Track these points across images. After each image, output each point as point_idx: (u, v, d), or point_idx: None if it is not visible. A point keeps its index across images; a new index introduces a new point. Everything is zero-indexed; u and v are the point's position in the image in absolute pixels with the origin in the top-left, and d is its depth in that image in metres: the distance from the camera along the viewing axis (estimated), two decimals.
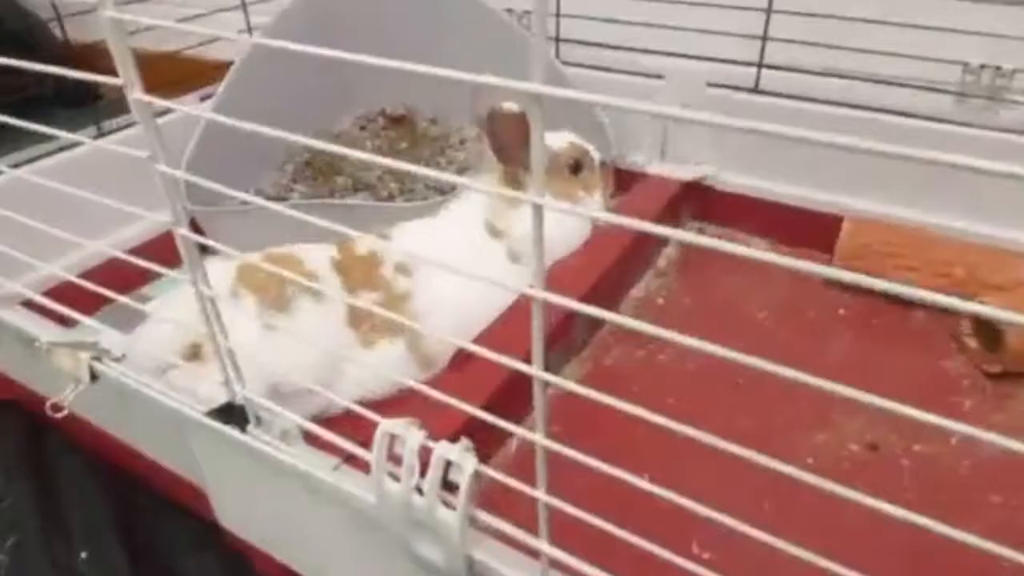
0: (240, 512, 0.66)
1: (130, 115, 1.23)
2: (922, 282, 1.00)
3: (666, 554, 0.40)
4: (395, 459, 0.44)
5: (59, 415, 0.60)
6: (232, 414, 0.53)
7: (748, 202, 1.19)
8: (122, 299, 0.62)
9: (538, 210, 0.37)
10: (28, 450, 0.88)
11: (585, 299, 0.94)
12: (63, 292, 0.72)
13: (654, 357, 0.97)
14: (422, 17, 1.31)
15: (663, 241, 1.18)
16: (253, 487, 0.60)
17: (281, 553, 0.64)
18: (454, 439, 0.66)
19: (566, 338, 0.95)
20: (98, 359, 0.60)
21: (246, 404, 0.53)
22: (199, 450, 0.62)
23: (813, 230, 1.12)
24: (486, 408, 0.79)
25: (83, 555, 0.75)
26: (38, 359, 0.66)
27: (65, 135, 0.60)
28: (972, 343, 0.93)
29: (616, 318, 0.37)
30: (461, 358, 0.88)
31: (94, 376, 0.60)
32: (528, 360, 0.88)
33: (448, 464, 0.41)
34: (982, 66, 0.99)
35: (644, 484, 0.39)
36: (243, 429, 0.53)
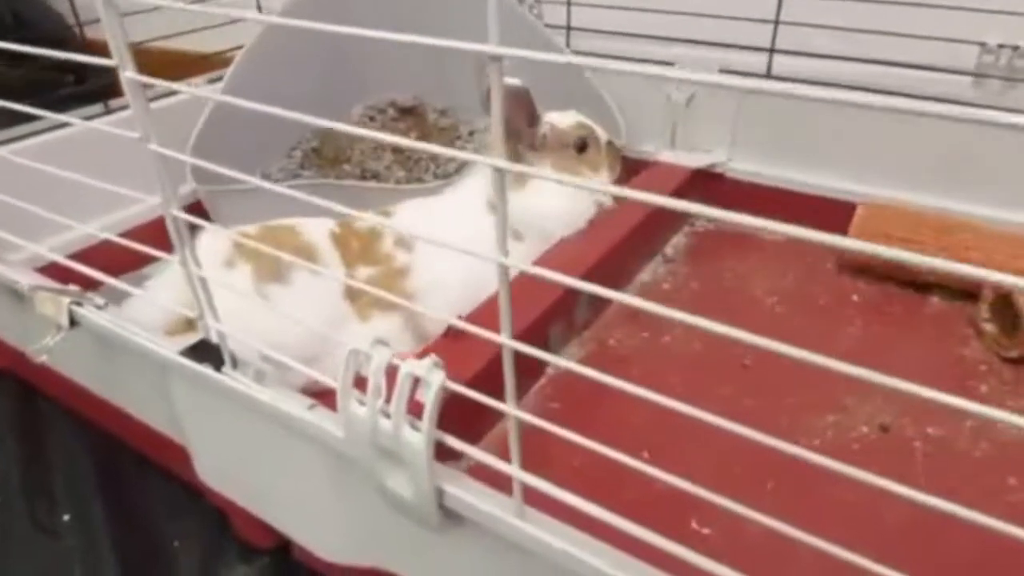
0: (218, 464, 0.64)
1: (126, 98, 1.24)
2: (940, 271, 0.97)
3: (660, 541, 0.37)
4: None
5: (40, 360, 0.59)
6: (207, 352, 0.52)
7: (759, 190, 1.16)
8: (112, 280, 0.60)
9: (499, 174, 0.35)
10: (19, 416, 0.87)
11: (586, 278, 0.92)
12: (65, 272, 0.71)
13: (658, 339, 0.94)
14: (432, 6, 1.31)
15: (670, 229, 1.16)
16: (229, 434, 0.58)
17: (258, 507, 0.62)
18: (445, 409, 0.64)
19: (567, 318, 0.93)
20: (79, 304, 0.59)
21: (220, 343, 0.51)
22: (177, 397, 0.60)
23: (826, 217, 1.08)
24: (478, 380, 0.77)
25: (65, 517, 0.73)
26: (25, 314, 0.65)
27: (53, 115, 0.59)
28: (990, 328, 0.89)
29: (598, 290, 0.35)
30: (457, 330, 0.86)
31: (73, 322, 0.59)
32: (523, 335, 0.86)
33: (417, 383, 0.39)
34: (1000, 46, 0.96)
35: (628, 460, 0.37)
36: (218, 368, 0.52)
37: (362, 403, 0.41)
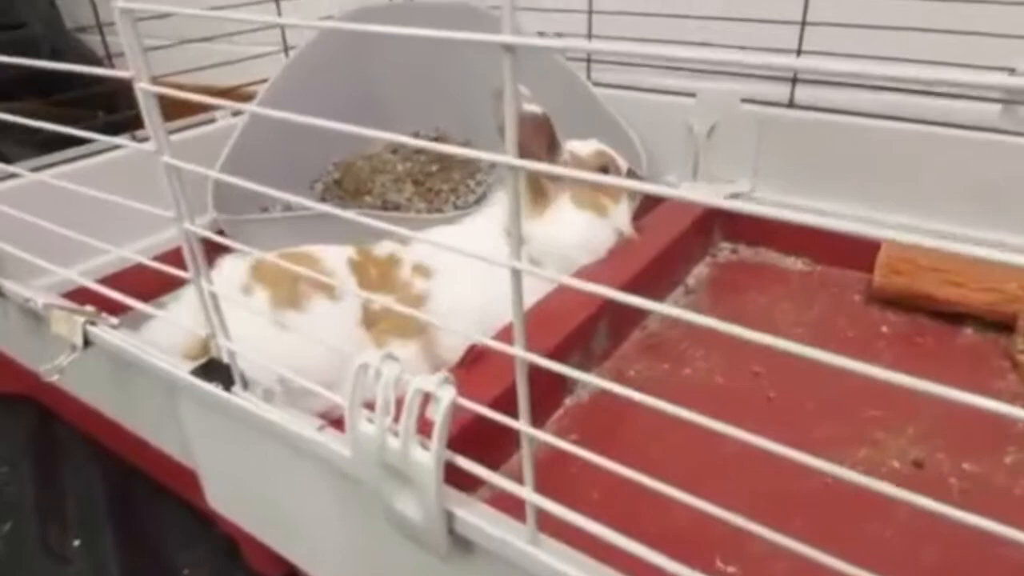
0: (227, 489, 0.63)
1: (172, 123, 1.26)
2: (970, 298, 0.94)
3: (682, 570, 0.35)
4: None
5: (52, 379, 0.59)
6: (216, 371, 0.51)
7: (783, 221, 1.14)
8: (130, 301, 0.60)
9: (514, 172, 0.34)
10: (36, 440, 0.87)
11: (603, 308, 0.91)
12: (88, 296, 0.72)
13: (679, 371, 0.92)
14: (450, 43, 1.33)
15: (692, 259, 1.14)
16: (238, 457, 0.57)
17: (266, 534, 0.60)
18: (459, 439, 0.63)
19: (585, 348, 0.91)
20: (93, 323, 0.59)
21: (230, 361, 0.51)
22: (186, 419, 0.59)
23: (852, 248, 1.07)
24: (494, 407, 0.76)
25: (76, 543, 0.72)
26: (42, 336, 0.65)
27: (70, 131, 0.60)
28: None
29: (614, 294, 0.34)
30: (472, 357, 0.85)
31: (87, 342, 0.59)
32: (538, 367, 0.84)
33: (427, 399, 0.38)
34: None
35: (657, 485, 0.35)
36: (227, 388, 0.51)
37: (371, 421, 0.40)
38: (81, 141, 1.02)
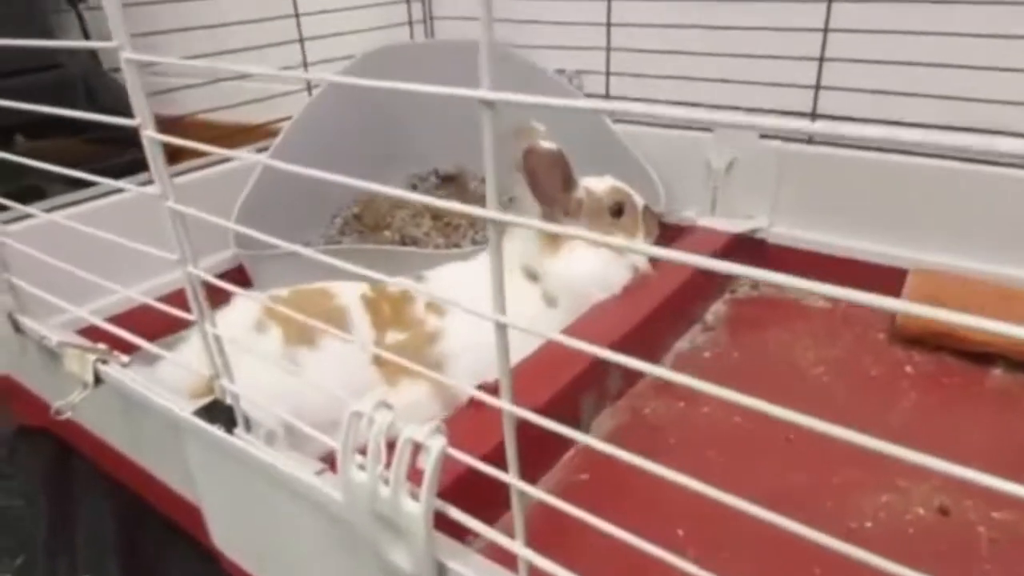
0: (231, 530, 0.62)
1: (182, 164, 1.28)
2: (999, 337, 0.91)
3: None
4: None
5: (64, 416, 0.60)
6: (219, 413, 0.51)
7: (803, 256, 1.12)
8: (139, 341, 0.61)
9: (496, 227, 0.34)
10: (53, 474, 0.88)
11: (618, 345, 0.90)
12: (102, 335, 0.73)
13: (696, 409, 0.90)
14: (474, 75, 1.35)
15: (710, 295, 1.13)
16: (241, 498, 0.57)
17: (266, 573, 0.59)
18: (458, 485, 0.61)
19: (599, 386, 0.90)
20: (104, 361, 0.60)
21: (233, 403, 0.51)
22: (191, 459, 0.59)
23: (875, 285, 1.03)
24: (500, 451, 0.75)
25: None
26: (58, 372, 0.66)
27: (72, 172, 0.61)
28: None
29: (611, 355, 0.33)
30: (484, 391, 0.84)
31: (98, 380, 0.59)
32: (554, 404, 0.83)
33: (418, 449, 0.37)
34: None
35: (658, 552, 0.34)
36: (229, 430, 0.51)
37: (363, 467, 0.39)
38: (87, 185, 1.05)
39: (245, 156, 0.47)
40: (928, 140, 0.24)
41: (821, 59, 1.05)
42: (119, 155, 1.85)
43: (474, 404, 0.86)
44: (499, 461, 0.39)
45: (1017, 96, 0.94)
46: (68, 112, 0.51)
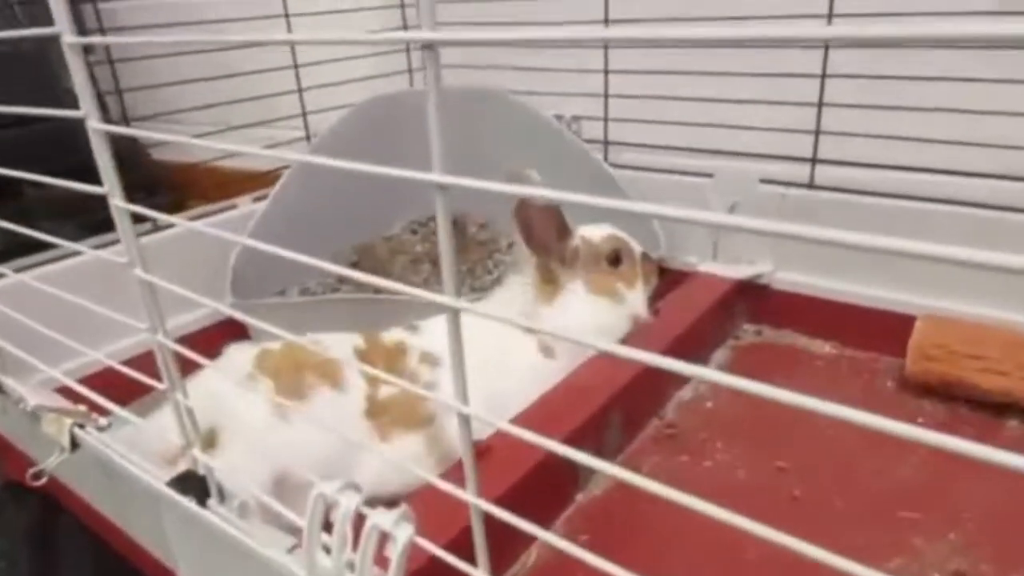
0: None
1: (195, 211, 1.27)
2: (1016, 387, 0.88)
3: None
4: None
5: (38, 483, 0.58)
6: (192, 483, 0.49)
7: (808, 302, 1.10)
8: (111, 406, 0.60)
9: (454, 315, 0.32)
10: (37, 530, 0.86)
11: (619, 397, 0.88)
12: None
13: (698, 464, 0.87)
14: (473, 121, 1.35)
15: (713, 343, 1.10)
16: (215, 568, 0.55)
17: None
18: (460, 540, 0.59)
19: (597, 442, 0.87)
20: (81, 426, 0.58)
21: (207, 474, 0.49)
22: (168, 526, 0.57)
23: (882, 331, 1.02)
24: (499, 505, 0.72)
25: None
26: (39, 430, 0.64)
27: (33, 234, 0.60)
28: None
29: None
30: (478, 451, 0.81)
31: (75, 444, 0.58)
32: (548, 462, 0.80)
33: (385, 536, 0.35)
34: None
35: None
36: (202, 502, 0.49)
37: (329, 551, 0.37)
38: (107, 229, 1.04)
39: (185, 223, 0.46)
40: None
41: (820, 104, 1.05)
42: (129, 201, 1.87)
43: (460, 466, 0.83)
44: (491, 525, 0.36)
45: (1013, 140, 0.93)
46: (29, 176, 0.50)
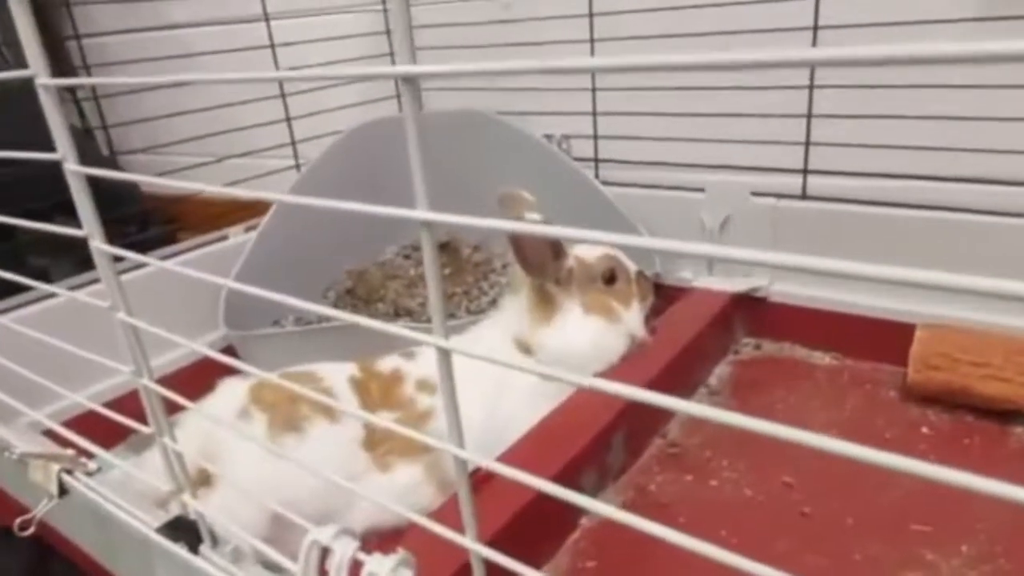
0: None
1: (187, 243, 1.26)
2: (1019, 394, 0.87)
3: None
4: None
5: (25, 533, 0.56)
6: (184, 530, 0.47)
7: (807, 313, 1.09)
8: (102, 454, 0.58)
9: (444, 355, 0.31)
10: (30, 575, 0.84)
11: (620, 418, 0.86)
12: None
13: (704, 483, 0.86)
14: (463, 144, 1.35)
15: (713, 359, 1.09)
16: None
17: None
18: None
19: (600, 463, 0.85)
20: (69, 471, 0.56)
21: (198, 519, 0.47)
22: (160, 572, 0.55)
23: (883, 341, 1.01)
24: (502, 536, 0.70)
25: None
26: (27, 478, 0.63)
27: (26, 281, 0.59)
28: None
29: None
30: (479, 479, 0.80)
31: (63, 490, 0.56)
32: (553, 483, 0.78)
33: None
34: None
35: None
36: (194, 548, 0.47)
37: None
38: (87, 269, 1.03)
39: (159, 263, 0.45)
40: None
41: (809, 115, 1.04)
42: (122, 235, 1.85)
43: (473, 487, 0.82)
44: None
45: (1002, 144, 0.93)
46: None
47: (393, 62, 1.50)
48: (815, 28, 1.01)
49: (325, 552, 0.37)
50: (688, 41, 1.10)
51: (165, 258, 1.20)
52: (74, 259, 1.33)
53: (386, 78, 1.47)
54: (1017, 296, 0.19)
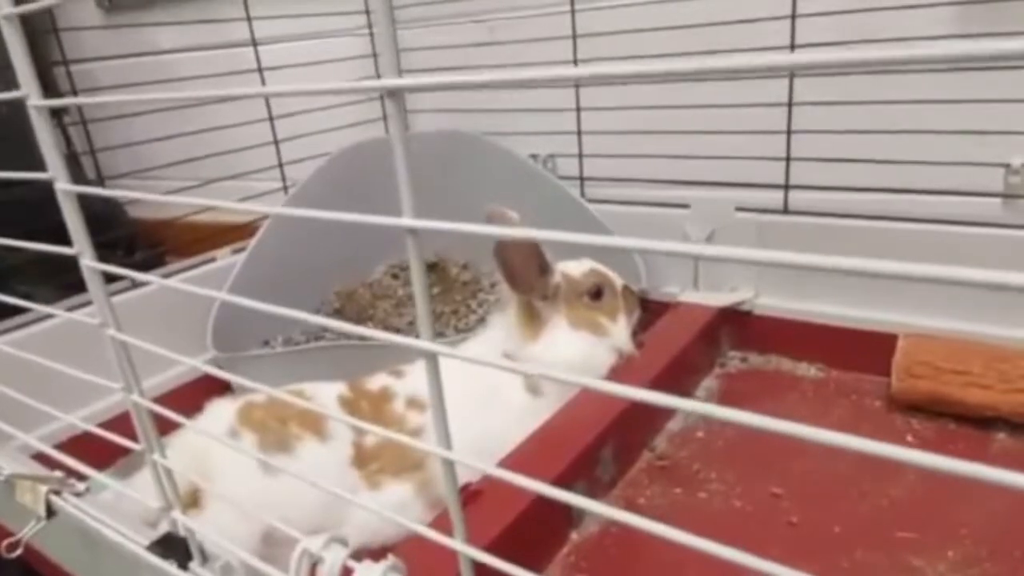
0: None
1: (174, 265, 1.27)
2: (1000, 400, 0.88)
3: None
4: None
5: (13, 555, 0.56)
6: (174, 547, 0.48)
7: (792, 326, 1.10)
8: (94, 474, 0.58)
9: (432, 360, 0.32)
10: None
11: (609, 431, 0.87)
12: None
13: (693, 495, 0.86)
14: (449, 164, 1.36)
15: (700, 371, 1.10)
16: None
17: None
18: None
19: (590, 476, 0.86)
20: (57, 492, 0.56)
21: (187, 536, 0.47)
22: None
23: (866, 352, 1.02)
24: (491, 550, 0.70)
25: None
26: (14, 498, 0.63)
27: (18, 302, 0.60)
28: None
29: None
30: (468, 494, 0.80)
31: (51, 512, 0.56)
32: (541, 499, 0.79)
33: None
34: None
35: None
36: (183, 565, 0.47)
37: None
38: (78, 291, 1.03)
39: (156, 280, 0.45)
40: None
41: (788, 131, 1.07)
42: (111, 258, 1.85)
43: (462, 502, 0.82)
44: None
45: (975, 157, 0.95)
46: None
47: (383, 100, 1.52)
48: (792, 47, 1.03)
49: (314, 567, 0.37)
50: (670, 62, 1.12)
51: (163, 275, 1.21)
52: (55, 285, 1.33)
53: (372, 93, 1.49)
54: (998, 284, 0.20)
